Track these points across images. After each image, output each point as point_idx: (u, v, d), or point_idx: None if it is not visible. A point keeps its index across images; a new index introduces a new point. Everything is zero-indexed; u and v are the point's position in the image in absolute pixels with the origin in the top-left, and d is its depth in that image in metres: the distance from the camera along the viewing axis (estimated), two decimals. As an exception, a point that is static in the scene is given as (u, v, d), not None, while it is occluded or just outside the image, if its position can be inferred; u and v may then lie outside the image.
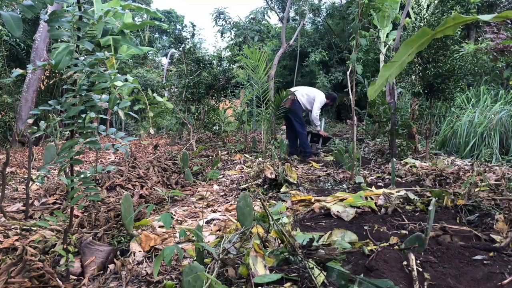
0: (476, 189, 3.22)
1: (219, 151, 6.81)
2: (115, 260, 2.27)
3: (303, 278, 1.69)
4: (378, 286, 1.50)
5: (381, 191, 3.37)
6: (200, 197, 4.05)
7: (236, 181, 4.70)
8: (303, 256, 1.86)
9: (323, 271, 1.73)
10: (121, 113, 1.88)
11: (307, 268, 1.68)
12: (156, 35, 26.77)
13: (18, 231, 2.47)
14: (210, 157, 6.35)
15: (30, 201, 3.23)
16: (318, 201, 3.24)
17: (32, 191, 3.64)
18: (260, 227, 2.16)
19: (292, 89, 6.82)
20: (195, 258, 1.97)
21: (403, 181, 4.24)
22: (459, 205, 2.89)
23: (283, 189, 3.96)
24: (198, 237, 1.95)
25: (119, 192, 3.86)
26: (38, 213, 3.08)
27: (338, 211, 2.94)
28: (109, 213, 3.03)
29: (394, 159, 4.15)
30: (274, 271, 1.78)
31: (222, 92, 9.18)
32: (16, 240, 2.32)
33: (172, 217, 3.20)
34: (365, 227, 2.65)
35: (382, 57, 8.31)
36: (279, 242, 2.24)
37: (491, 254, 2.01)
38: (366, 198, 3.19)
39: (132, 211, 2.40)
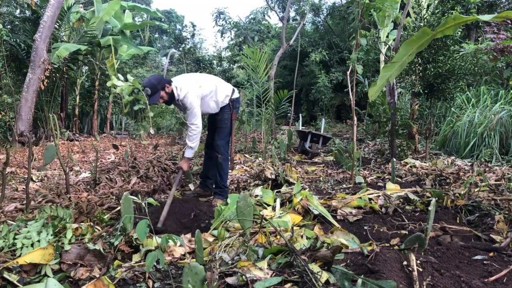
0: (476, 189, 3.22)
1: (219, 151, 6.78)
2: None
3: (304, 279, 1.69)
4: (382, 287, 1.50)
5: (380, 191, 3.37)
6: (200, 197, 4.04)
7: (236, 181, 4.69)
8: (307, 258, 1.86)
9: (325, 272, 1.73)
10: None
11: (307, 270, 1.67)
12: (156, 35, 26.77)
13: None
14: (210, 157, 6.34)
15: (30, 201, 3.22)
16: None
17: (32, 191, 3.63)
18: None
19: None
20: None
21: (403, 181, 4.24)
22: (459, 205, 2.89)
23: (283, 190, 3.95)
24: (198, 241, 1.95)
25: (119, 192, 3.86)
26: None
27: (342, 215, 2.94)
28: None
29: (394, 159, 4.15)
30: (274, 273, 1.78)
31: (222, 92, 9.15)
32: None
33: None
34: (365, 227, 2.65)
35: (382, 57, 8.31)
36: (279, 240, 2.24)
37: (491, 254, 2.01)
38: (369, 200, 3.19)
39: (132, 211, 2.39)
